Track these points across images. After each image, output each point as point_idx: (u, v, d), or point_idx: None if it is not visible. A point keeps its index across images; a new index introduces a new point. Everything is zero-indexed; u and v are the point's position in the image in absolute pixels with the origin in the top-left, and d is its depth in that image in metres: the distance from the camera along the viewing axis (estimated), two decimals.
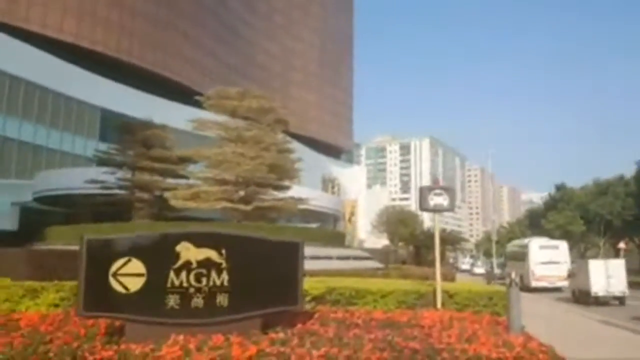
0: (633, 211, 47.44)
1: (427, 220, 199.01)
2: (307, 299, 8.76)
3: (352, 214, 67.84)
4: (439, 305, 9.53)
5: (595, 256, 54.00)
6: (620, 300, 21.80)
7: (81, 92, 38.42)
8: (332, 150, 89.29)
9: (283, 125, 27.49)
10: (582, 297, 22.38)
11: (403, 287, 10.03)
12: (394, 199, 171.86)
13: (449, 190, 9.75)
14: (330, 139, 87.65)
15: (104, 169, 32.36)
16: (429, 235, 33.95)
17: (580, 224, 53.62)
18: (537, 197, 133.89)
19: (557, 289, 28.21)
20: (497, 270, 35.41)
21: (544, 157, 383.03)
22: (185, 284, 5.86)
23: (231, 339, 5.50)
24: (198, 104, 27.94)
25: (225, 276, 5.97)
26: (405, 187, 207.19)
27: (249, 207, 24.13)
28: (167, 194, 25.40)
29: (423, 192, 9.72)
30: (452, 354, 5.96)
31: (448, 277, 18.03)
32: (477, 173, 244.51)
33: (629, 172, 52.33)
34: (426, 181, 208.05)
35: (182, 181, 28.94)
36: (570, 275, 24.93)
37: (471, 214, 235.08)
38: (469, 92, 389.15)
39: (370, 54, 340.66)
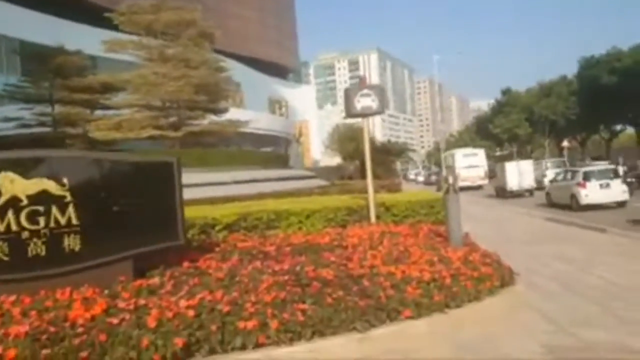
0: (576, 110, 48.02)
1: (379, 135, 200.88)
2: (218, 228, 7.46)
3: (301, 134, 66.37)
4: (372, 219, 8.46)
5: (542, 156, 55.35)
6: (530, 192, 26.90)
7: None
8: (278, 70, 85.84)
9: (209, 40, 25.00)
10: (502, 192, 27.29)
11: (333, 203, 8.87)
12: (344, 117, 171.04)
13: (377, 90, 8.37)
14: (275, 58, 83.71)
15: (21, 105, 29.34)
16: (375, 148, 33.20)
17: (526, 126, 54.27)
18: (485, 104, 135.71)
19: (479, 187, 33.76)
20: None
21: (491, 64, 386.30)
22: (14, 228, 4.37)
23: (77, 294, 4.15)
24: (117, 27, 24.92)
25: (71, 212, 4.51)
26: None
27: (179, 133, 22.24)
28: (88, 126, 23.07)
29: (348, 95, 8.31)
30: (373, 280, 4.85)
31: (392, 189, 17.18)
32: (425, 84, 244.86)
33: (572, 72, 52.64)
34: None
35: (110, 112, 26.44)
36: (492, 176, 30.21)
37: (422, 125, 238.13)
38: (415, 3, 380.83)
39: None
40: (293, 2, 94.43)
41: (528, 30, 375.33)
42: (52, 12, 33.49)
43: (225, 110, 28.07)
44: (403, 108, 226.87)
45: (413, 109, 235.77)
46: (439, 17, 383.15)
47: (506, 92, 65.46)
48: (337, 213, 8.32)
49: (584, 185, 17.90)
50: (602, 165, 23.75)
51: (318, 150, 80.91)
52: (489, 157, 76.21)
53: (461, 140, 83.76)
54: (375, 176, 36.02)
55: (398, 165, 71.57)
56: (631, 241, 10.44)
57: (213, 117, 25.96)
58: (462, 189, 32.19)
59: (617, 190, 17.84)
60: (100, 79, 24.85)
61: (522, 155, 54.82)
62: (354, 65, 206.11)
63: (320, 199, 10.22)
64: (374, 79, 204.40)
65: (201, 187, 13.84)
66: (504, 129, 55.52)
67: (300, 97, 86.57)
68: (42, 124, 29.51)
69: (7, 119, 29.36)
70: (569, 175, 19.87)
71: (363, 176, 31.97)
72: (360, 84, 8.45)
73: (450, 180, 6.63)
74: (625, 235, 11.25)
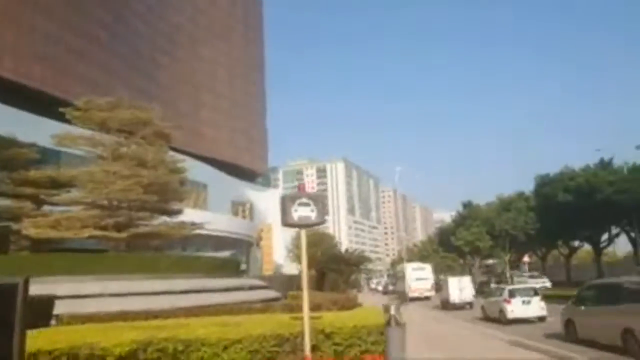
0: (534, 225, 48.64)
1: (345, 241, 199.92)
2: None
3: (261, 238, 64.93)
4: (306, 351, 7.17)
5: (503, 269, 55.13)
6: (470, 304, 29.24)
7: None
8: (247, 174, 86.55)
9: (165, 140, 24.44)
10: (446, 304, 29.99)
11: (261, 328, 7.56)
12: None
13: (317, 199, 7.49)
14: (244, 163, 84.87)
15: None
16: (334, 258, 32.25)
17: (487, 240, 54.43)
18: (448, 216, 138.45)
19: (427, 298, 37.88)
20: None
21: (454, 177, 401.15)
22: None
23: None
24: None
25: None
26: None
27: (122, 234, 20.78)
28: (25, 223, 21.39)
29: (285, 204, 7.40)
30: None
31: (346, 305, 15.78)
32: (390, 194, 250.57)
33: (528, 189, 54.18)
34: (343, 203, 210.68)
35: (59, 208, 24.87)
36: (438, 288, 34.03)
37: (386, 233, 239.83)
38: (382, 115, 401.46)
39: (283, 76, 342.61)
40: (264, 110, 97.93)
41: (488, 145, 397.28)
42: (6, 102, 32.86)
43: (178, 212, 26.93)
44: (368, 215, 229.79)
45: (378, 217, 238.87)
46: (405, 128, 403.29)
47: (467, 205, 66.59)
48: (263, 344, 7.00)
49: (509, 302, 19.95)
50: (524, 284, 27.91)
51: (281, 255, 79.15)
52: (453, 269, 76.21)
53: (424, 251, 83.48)
54: (334, 287, 34.43)
55: (362, 275, 70.15)
56: None
57: (165, 219, 24.73)
58: (412, 299, 36.87)
59: (537, 307, 19.84)
60: (47, 173, 23.64)
61: (482, 268, 54.78)
62: (321, 172, 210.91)
63: (249, 322, 8.86)
64: (341, 187, 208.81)
65: (121, 298, 12.41)
66: (466, 241, 55.57)
67: (268, 201, 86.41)
68: None
69: None
70: (498, 292, 21.92)
71: (319, 287, 30.75)
72: (298, 190, 7.57)
73: (392, 310, 5.57)
74: None
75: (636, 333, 10.72)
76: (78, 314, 11.25)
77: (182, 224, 25.62)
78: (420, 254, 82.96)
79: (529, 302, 19.89)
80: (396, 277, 50.40)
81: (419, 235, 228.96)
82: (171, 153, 32.36)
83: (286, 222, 7.39)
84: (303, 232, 7.62)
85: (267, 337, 7.15)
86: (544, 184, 46.99)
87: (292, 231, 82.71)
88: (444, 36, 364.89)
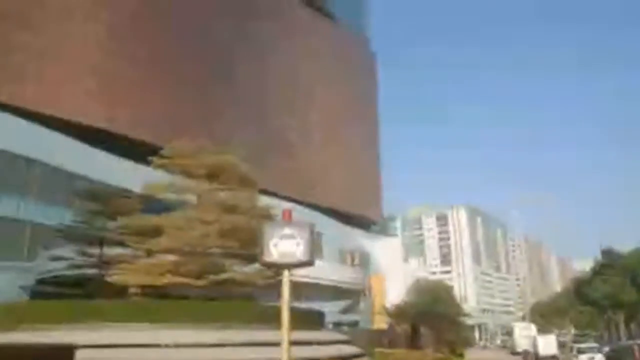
0: None
1: (471, 295, 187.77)
2: None
3: (370, 288, 62.34)
4: None
5: None
6: (552, 358, 34.51)
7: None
8: (362, 223, 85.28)
9: (250, 185, 24.00)
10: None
11: None
12: (434, 273, 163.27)
13: (303, 230, 5.79)
14: (357, 210, 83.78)
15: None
16: (426, 312, 28.96)
17: (632, 292, 46.60)
18: (589, 265, 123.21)
19: (528, 352, 38.99)
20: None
21: (595, 223, 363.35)
22: None
23: None
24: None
25: None
26: (445, 260, 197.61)
27: (200, 282, 20.26)
28: (113, 270, 21.90)
29: (262, 236, 5.81)
30: None
31: None
32: (521, 242, 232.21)
33: None
34: (468, 252, 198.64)
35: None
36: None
37: (519, 285, 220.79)
38: (507, 157, 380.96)
39: (400, 120, 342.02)
40: (378, 157, 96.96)
41: (630, 187, 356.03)
42: (101, 147, 35.31)
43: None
44: (497, 267, 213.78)
45: (508, 268, 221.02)
46: (532, 173, 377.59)
47: (607, 252, 58.49)
48: None
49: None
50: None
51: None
52: (594, 325, 66.77)
53: (555, 305, 74.37)
54: (426, 344, 30.65)
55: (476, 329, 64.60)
56: None
57: (250, 266, 24.17)
58: (517, 353, 48.99)
59: None
60: (139, 221, 24.25)
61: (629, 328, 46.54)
62: (442, 219, 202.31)
63: None
64: (464, 234, 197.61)
65: (166, 349, 11.41)
66: (605, 294, 48.10)
67: (384, 250, 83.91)
68: (91, 265, 29.26)
69: (58, 258, 29.57)
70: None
71: (412, 344, 27.58)
72: (282, 217, 5.95)
73: None
74: None
75: None
76: None
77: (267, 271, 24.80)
78: (550, 308, 74.03)
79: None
80: (509, 334, 63.46)
81: (557, 287, 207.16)
82: (265, 199, 32.30)
83: (263, 260, 5.78)
84: (285, 274, 5.91)
85: None
86: None
87: (409, 282, 79.04)
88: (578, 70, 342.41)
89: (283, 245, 5.63)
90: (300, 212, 58.65)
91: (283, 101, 70.30)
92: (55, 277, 31.11)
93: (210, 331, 14.22)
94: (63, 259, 29.23)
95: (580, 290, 63.44)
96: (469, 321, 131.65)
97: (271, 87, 67.62)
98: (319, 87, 78.89)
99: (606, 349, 25.20)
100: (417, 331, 27.59)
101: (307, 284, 47.36)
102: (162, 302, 17.73)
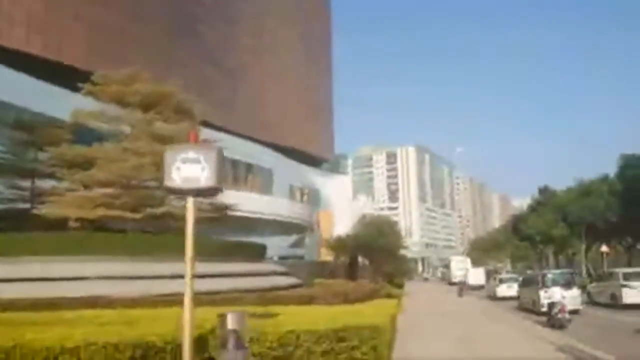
0: (617, 211, 43.19)
1: (416, 230, 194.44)
2: None
3: (318, 223, 63.38)
4: None
5: (579, 261, 50.03)
6: (481, 287, 40.44)
7: None
8: (314, 161, 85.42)
9: (190, 117, 22.99)
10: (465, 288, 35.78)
11: (139, 331, 5.58)
12: (381, 209, 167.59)
13: (210, 153, 5.32)
14: (311, 149, 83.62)
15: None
16: (364, 245, 29.63)
17: (562, 228, 49.31)
18: (527, 202, 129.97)
19: (462, 283, 39.77)
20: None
21: (535, 162, 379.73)
22: None
23: None
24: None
25: None
26: (393, 197, 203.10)
27: (136, 215, 19.62)
28: (45, 202, 20.84)
29: (166, 160, 5.31)
30: None
31: (360, 297, 13.44)
32: (465, 181, 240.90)
33: (613, 171, 48.31)
34: (414, 190, 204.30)
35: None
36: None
37: (461, 222, 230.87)
38: (457, 96, 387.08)
39: (350, 58, 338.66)
40: (331, 96, 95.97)
41: (571, 126, 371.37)
42: (28, 73, 32.94)
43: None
44: (442, 204, 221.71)
45: (452, 205, 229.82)
46: (481, 111, 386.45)
47: (543, 190, 61.24)
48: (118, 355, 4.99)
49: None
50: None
51: None
52: (526, 259, 71.02)
53: (493, 240, 78.29)
54: (386, 274, 31.38)
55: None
56: None
57: (199, 199, 23.63)
58: (453, 283, 53.38)
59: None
60: (75, 151, 22.94)
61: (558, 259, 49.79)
62: (391, 158, 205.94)
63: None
64: (412, 173, 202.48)
65: (101, 281, 11.08)
66: (538, 229, 50.70)
67: (335, 188, 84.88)
68: (21, 199, 27.84)
69: None
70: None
71: (350, 275, 28.40)
72: (188, 139, 5.45)
73: (230, 324, 3.37)
74: None
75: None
76: (24, 298, 9.91)
77: (212, 206, 24.39)
78: (489, 244, 77.88)
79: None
80: (447, 267, 68.05)
81: (496, 223, 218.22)
82: (208, 131, 31.24)
83: (166, 186, 5.32)
84: (190, 201, 5.49)
85: (123, 346, 5.11)
86: (630, 165, 41.52)
87: (356, 218, 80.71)
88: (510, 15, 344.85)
89: (186, 169, 5.15)
90: (247, 147, 57.94)
91: (237, 37, 67.36)
92: None
93: (140, 263, 13.82)
94: None
95: (516, 226, 66.73)
96: (412, 255, 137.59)
97: (225, 23, 64.49)
98: (273, 24, 75.96)
99: (521, 278, 28.41)
100: (355, 263, 28.29)
101: (257, 219, 47.49)
102: (93, 234, 17.07)
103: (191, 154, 5.22)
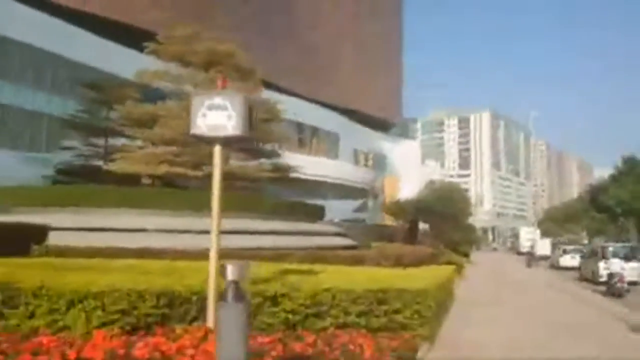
0: None
1: (488, 198, 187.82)
2: None
3: (383, 188, 62.69)
4: (209, 323, 4.94)
5: None
6: (547, 257, 38.76)
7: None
8: (380, 124, 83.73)
9: (251, 77, 22.93)
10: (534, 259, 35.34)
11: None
12: (451, 176, 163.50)
13: (238, 100, 5.03)
14: (376, 111, 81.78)
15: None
16: (424, 209, 28.71)
17: None
18: (610, 172, 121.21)
19: (530, 253, 38.94)
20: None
21: (621, 130, 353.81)
22: None
23: None
24: None
25: None
26: (464, 164, 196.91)
27: (198, 172, 20.05)
28: (115, 159, 21.81)
29: (192, 106, 5.08)
30: None
31: (412, 262, 13.00)
32: (543, 148, 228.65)
33: None
34: (487, 157, 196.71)
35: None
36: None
37: (536, 191, 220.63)
38: (534, 64, 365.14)
39: (425, 24, 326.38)
40: (400, 59, 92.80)
41: None
42: (96, 32, 34.02)
43: (272, 154, 25.91)
44: (517, 172, 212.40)
45: (528, 173, 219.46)
46: (565, 79, 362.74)
47: (628, 159, 56.85)
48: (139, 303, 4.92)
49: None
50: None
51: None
52: (604, 232, 66.92)
53: (568, 210, 74.17)
54: (451, 242, 30.60)
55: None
56: None
57: (263, 160, 24.05)
58: (521, 253, 56.09)
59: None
60: (141, 109, 23.69)
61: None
62: (464, 123, 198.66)
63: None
64: (485, 139, 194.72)
65: (156, 234, 11.44)
66: (619, 200, 47.35)
67: (403, 153, 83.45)
68: (96, 155, 29.36)
69: (65, 148, 29.68)
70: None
71: (409, 240, 27.78)
72: (217, 86, 5.18)
73: (230, 274, 3.12)
74: None
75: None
76: (80, 247, 10.34)
77: (276, 166, 24.63)
78: (565, 215, 74.04)
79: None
80: (516, 237, 70.02)
81: (575, 193, 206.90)
82: (271, 93, 31.24)
83: (192, 133, 5.11)
84: (217, 149, 5.24)
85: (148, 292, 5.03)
86: None
87: (424, 184, 79.27)
88: None
89: (212, 116, 4.90)
90: (313, 110, 57.71)
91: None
92: (68, 166, 31.35)
93: (196, 218, 14.10)
94: (70, 149, 29.39)
95: (595, 196, 62.69)
96: (482, 224, 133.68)
97: None
98: None
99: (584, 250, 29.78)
100: (415, 227, 27.63)
101: (321, 182, 47.69)
102: (155, 189, 17.62)
103: (217, 101, 4.95)
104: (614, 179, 55.92)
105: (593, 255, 23.71)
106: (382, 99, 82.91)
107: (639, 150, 62.02)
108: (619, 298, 15.37)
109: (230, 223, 14.50)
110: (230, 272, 3.05)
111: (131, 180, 22.49)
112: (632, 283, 17.92)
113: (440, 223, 29.84)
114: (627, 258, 20.49)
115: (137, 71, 22.16)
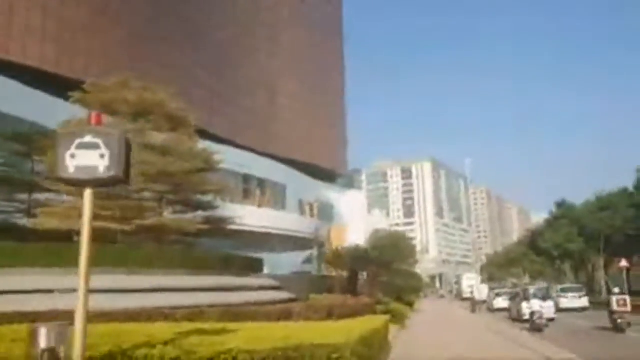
0: (636, 224, 41.39)
1: (433, 245, 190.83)
2: None
3: (329, 238, 62.22)
4: None
5: (599, 277, 48.09)
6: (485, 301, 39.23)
7: None
8: (328, 176, 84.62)
9: (185, 126, 22.37)
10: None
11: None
12: (397, 224, 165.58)
13: (112, 138, 4.47)
14: (324, 163, 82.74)
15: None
16: (360, 257, 28.39)
17: (579, 241, 47.50)
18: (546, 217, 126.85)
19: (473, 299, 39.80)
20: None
21: (556, 176, 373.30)
22: None
23: None
24: None
25: None
26: (408, 212, 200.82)
27: (126, 227, 18.91)
28: (36, 214, 20.36)
29: (59, 145, 4.48)
30: None
31: (344, 313, 12.37)
32: (483, 195, 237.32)
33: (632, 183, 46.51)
34: (430, 206, 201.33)
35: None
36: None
37: (479, 237, 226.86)
38: (471, 111, 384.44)
39: (363, 74, 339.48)
40: (344, 111, 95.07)
41: (592, 138, 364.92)
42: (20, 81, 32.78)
43: (208, 206, 25.03)
44: (459, 219, 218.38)
45: (470, 220, 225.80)
46: (498, 127, 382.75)
47: (561, 204, 59.35)
48: None
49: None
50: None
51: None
52: (543, 274, 68.90)
53: (509, 255, 76.22)
54: (394, 290, 30.22)
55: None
56: None
57: (200, 213, 23.19)
58: (464, 299, 60.85)
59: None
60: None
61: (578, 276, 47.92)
62: (406, 173, 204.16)
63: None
64: (428, 188, 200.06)
65: (93, 295, 10.38)
66: (555, 244, 48.93)
67: (348, 203, 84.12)
68: (20, 211, 27.47)
69: None
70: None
71: (349, 290, 27.11)
72: (88, 121, 4.60)
73: None
74: None
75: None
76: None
77: (208, 218, 23.74)
78: (507, 259, 75.88)
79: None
80: (458, 284, 72.15)
81: (515, 238, 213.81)
82: (208, 144, 30.63)
83: (58, 175, 4.48)
84: (87, 193, 4.61)
85: None
86: None
87: (369, 233, 79.45)
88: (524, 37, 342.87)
89: (82, 156, 4.33)
90: (259, 162, 57.33)
91: (243, 45, 67.14)
92: None
93: (114, 275, 13.05)
94: None
95: (533, 240, 64.75)
96: (429, 271, 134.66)
97: (229, 29, 64.18)
98: (286, 38, 75.79)
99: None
100: (355, 277, 27.01)
101: (264, 234, 46.63)
102: (70, 245, 16.32)
103: (88, 138, 4.38)
104: (549, 223, 58.06)
105: (517, 297, 27.29)
106: (328, 151, 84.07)
107: (571, 194, 65.09)
108: (540, 332, 17.95)
109: (150, 280, 13.57)
110: (44, 337, 2.42)
111: (62, 237, 21.00)
112: (550, 320, 21.35)
113: (380, 272, 29.44)
114: (544, 298, 23.99)
115: (63, 121, 21.09)
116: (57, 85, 33.47)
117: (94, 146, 4.37)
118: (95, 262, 13.49)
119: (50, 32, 37.63)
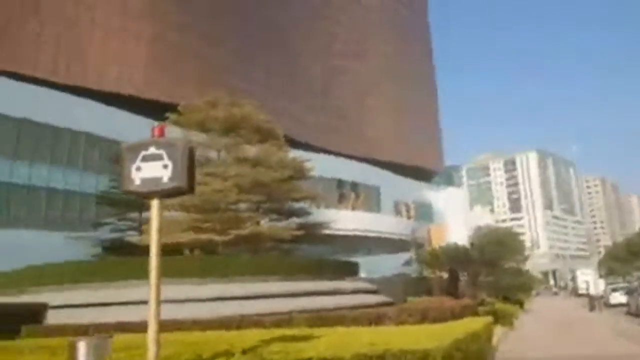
0: None
1: (543, 240, 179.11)
2: None
3: (429, 239, 60.61)
4: None
5: None
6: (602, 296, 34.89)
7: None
8: (424, 175, 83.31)
9: (273, 137, 22.92)
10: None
11: None
12: (504, 220, 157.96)
13: (175, 148, 4.53)
14: (419, 163, 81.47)
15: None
16: (456, 256, 26.82)
17: None
18: None
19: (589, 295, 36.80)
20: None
21: None
22: None
23: None
24: None
25: None
26: (515, 207, 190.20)
27: (225, 237, 19.69)
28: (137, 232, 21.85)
29: (125, 158, 4.62)
30: None
31: (440, 317, 11.77)
32: (597, 183, 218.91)
33: None
34: (538, 198, 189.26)
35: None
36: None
37: (595, 228, 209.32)
38: (579, 97, 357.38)
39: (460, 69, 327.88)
40: (436, 107, 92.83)
41: None
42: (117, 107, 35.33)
43: (301, 213, 25.42)
44: (571, 210, 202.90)
45: (582, 211, 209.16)
46: (609, 110, 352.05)
47: None
48: None
49: None
50: None
51: None
52: None
53: (630, 247, 69.42)
54: (501, 289, 28.75)
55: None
56: None
57: (295, 219, 23.74)
58: (579, 294, 53.97)
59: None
60: None
61: None
62: (510, 165, 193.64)
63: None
64: (533, 179, 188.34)
65: (177, 304, 11.00)
66: None
67: (448, 200, 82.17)
68: (132, 229, 29.70)
69: (100, 224, 30.24)
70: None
71: (450, 291, 25.78)
72: (152, 134, 4.70)
73: None
74: None
75: None
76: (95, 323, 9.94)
77: (307, 225, 24.13)
78: (628, 251, 69.25)
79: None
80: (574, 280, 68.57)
81: (638, 229, 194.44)
82: (299, 153, 31.16)
83: (125, 188, 4.61)
84: (155, 204, 4.70)
85: None
86: None
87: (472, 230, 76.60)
88: None
89: (147, 168, 4.43)
90: (352, 166, 57.58)
91: (329, 50, 67.89)
92: (110, 243, 31.76)
93: (213, 285, 13.56)
94: (106, 225, 29.94)
95: None
96: (540, 267, 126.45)
97: (314, 34, 65.15)
98: (375, 41, 75.73)
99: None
100: (455, 277, 25.75)
101: (361, 237, 46.56)
102: (168, 258, 17.19)
103: (152, 150, 4.48)
104: None
105: (636, 292, 26.09)
106: (422, 150, 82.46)
107: None
108: None
109: (244, 288, 13.91)
110: (84, 351, 2.40)
111: (173, 251, 22.36)
112: None
113: (483, 271, 27.97)
114: None
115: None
116: (149, 107, 36.06)
117: (158, 157, 4.45)
118: (196, 273, 14.11)
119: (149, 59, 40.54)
